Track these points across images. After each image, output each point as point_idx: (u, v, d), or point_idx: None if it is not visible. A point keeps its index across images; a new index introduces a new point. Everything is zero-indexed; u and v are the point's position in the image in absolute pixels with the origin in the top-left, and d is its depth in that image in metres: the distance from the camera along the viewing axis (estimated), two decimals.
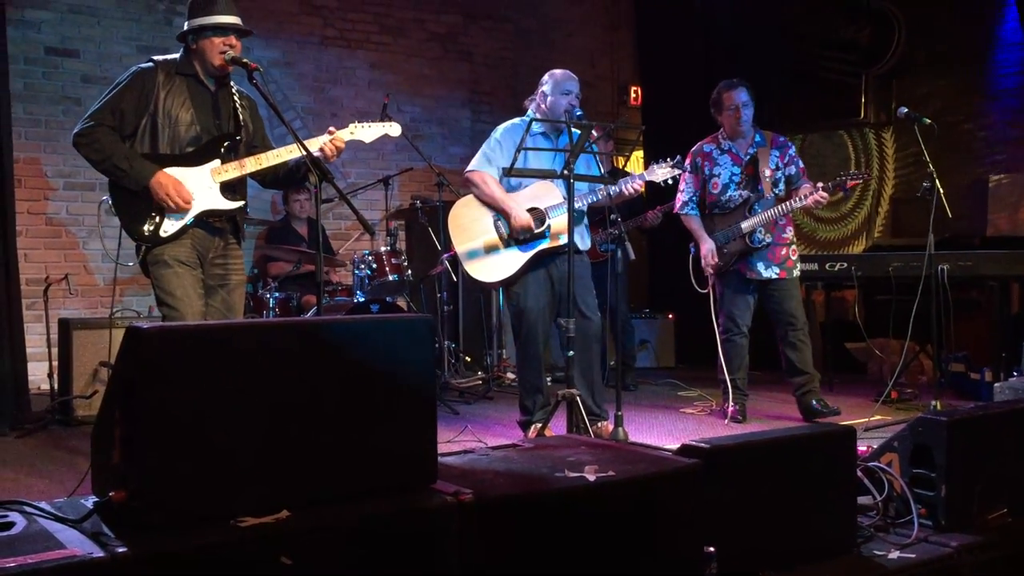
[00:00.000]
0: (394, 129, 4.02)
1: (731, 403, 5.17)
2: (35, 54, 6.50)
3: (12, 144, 5.28)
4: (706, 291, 5.26)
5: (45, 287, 5.78)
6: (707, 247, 5.13)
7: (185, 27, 3.70)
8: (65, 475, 4.01)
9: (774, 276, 5.07)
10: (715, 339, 8.05)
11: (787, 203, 5.00)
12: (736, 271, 5.14)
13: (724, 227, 5.11)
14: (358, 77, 7.81)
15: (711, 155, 5.20)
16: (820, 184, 4.98)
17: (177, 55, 3.76)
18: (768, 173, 5.05)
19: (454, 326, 7.25)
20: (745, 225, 5.03)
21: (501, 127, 4.71)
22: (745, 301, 5.17)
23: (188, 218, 3.63)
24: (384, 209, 7.03)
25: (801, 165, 5.21)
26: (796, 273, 5.16)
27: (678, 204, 5.29)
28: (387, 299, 6.07)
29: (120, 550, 1.74)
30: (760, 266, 5.08)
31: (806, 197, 4.93)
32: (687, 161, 5.20)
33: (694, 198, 5.25)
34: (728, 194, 5.13)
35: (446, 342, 6.79)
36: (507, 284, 4.60)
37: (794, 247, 5.18)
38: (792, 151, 5.22)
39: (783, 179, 5.14)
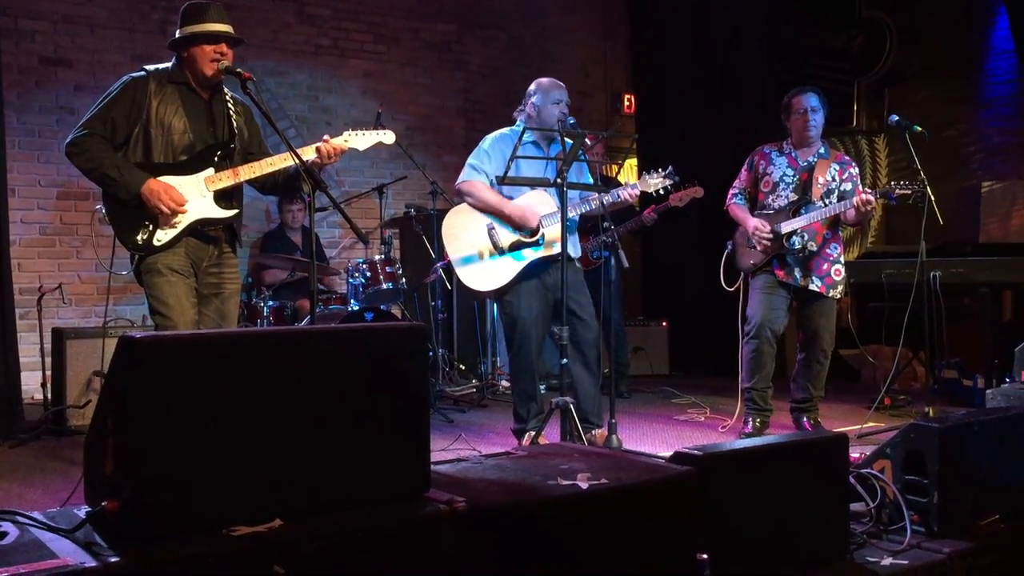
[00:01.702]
0: (388, 137, 4.02)
1: (748, 422, 4.99)
2: (29, 63, 6.50)
3: (6, 153, 5.28)
4: (733, 289, 5.13)
5: (38, 296, 5.77)
6: (754, 222, 4.94)
7: (176, 35, 3.71)
8: (58, 485, 4.00)
9: (815, 288, 4.88)
10: (710, 346, 8.14)
11: (832, 206, 4.83)
12: (770, 272, 4.96)
13: None
14: (352, 86, 7.82)
15: (769, 156, 5.08)
16: (868, 189, 4.82)
17: (169, 64, 3.76)
18: (822, 181, 4.90)
19: (448, 334, 7.25)
20: (785, 225, 4.88)
21: (489, 137, 4.72)
22: (777, 304, 4.95)
23: (181, 227, 3.63)
24: (378, 217, 7.03)
25: (859, 186, 5.00)
26: (834, 293, 4.93)
27: (728, 197, 5.19)
28: (381, 307, 6.08)
29: (112, 560, 1.74)
30: (797, 272, 4.90)
31: (850, 200, 4.74)
32: (746, 159, 5.16)
33: (743, 192, 5.14)
34: (777, 192, 4.98)
35: (440, 350, 6.79)
36: (501, 293, 4.61)
37: (838, 267, 4.94)
38: (854, 171, 5.03)
39: (836, 192, 4.94)
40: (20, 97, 6.43)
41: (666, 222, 6.44)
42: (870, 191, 4.78)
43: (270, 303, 5.98)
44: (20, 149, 6.41)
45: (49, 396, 5.42)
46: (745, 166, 5.17)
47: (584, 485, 2.29)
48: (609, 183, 5.37)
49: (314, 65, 7.64)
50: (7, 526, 1.95)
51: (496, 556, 2.13)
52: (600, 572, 2.26)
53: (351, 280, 6.05)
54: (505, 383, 6.77)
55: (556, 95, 4.60)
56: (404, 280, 6.13)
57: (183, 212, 3.61)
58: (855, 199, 4.73)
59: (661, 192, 4.76)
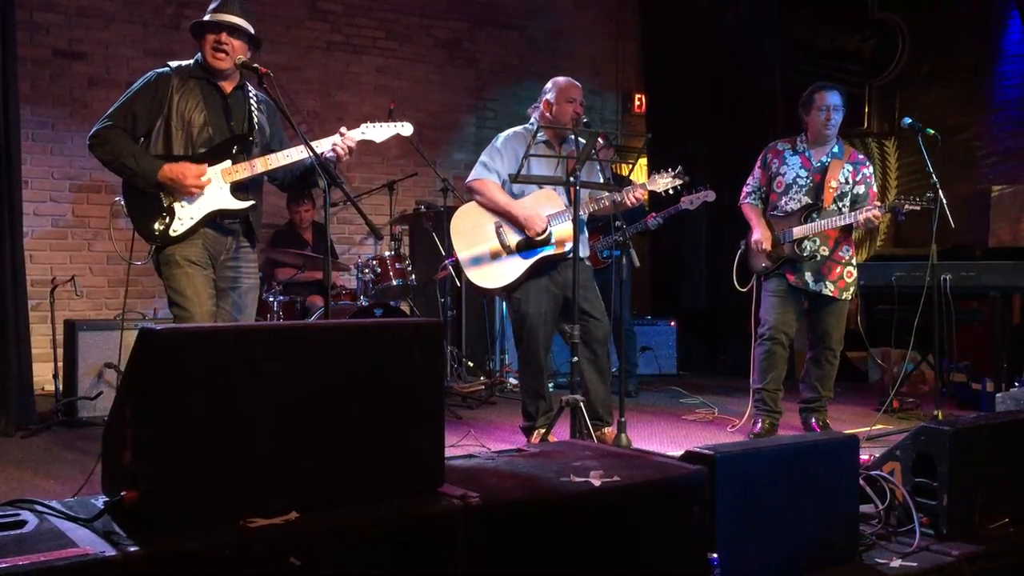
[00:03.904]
0: (406, 129, 4.03)
1: (758, 422, 4.98)
2: (43, 56, 6.53)
3: (20, 146, 5.30)
4: (746, 290, 5.13)
5: (51, 288, 5.80)
6: (759, 234, 4.95)
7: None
8: (71, 475, 4.03)
9: (826, 292, 4.88)
10: (719, 346, 8.14)
11: (841, 216, 4.82)
12: (782, 275, 4.95)
13: (777, 231, 4.96)
14: (364, 82, 7.84)
15: (782, 154, 5.05)
16: (877, 203, 4.81)
17: (192, 60, 3.79)
18: (834, 185, 4.88)
19: (457, 331, 7.26)
20: (797, 231, 4.86)
21: (502, 135, 4.73)
22: (789, 308, 4.95)
23: (198, 218, 3.65)
24: (388, 214, 7.05)
25: (873, 188, 4.99)
26: (846, 296, 4.92)
27: (742, 195, 5.18)
28: (390, 303, 6.08)
29: (132, 549, 1.75)
30: (808, 276, 4.88)
31: (860, 213, 4.75)
32: (759, 156, 5.15)
33: (758, 191, 5.12)
34: (790, 195, 4.96)
35: (449, 347, 6.80)
36: (509, 291, 4.62)
37: (851, 268, 4.94)
38: (867, 171, 5.00)
39: (849, 196, 4.93)
40: (34, 90, 6.46)
41: (676, 222, 6.45)
42: (879, 206, 4.78)
43: (280, 298, 6.00)
44: (34, 141, 6.44)
45: (60, 387, 5.46)
46: (759, 163, 5.16)
47: (597, 482, 2.29)
48: (620, 182, 5.37)
49: (327, 61, 7.66)
50: (26, 515, 1.97)
51: (509, 551, 2.14)
52: (610, 569, 2.27)
53: (360, 276, 6.06)
54: (513, 380, 6.77)
55: (571, 94, 4.60)
56: (413, 277, 6.15)
57: (206, 183, 3.63)
58: (861, 216, 4.74)
59: (670, 192, 4.77)
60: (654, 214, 6.32)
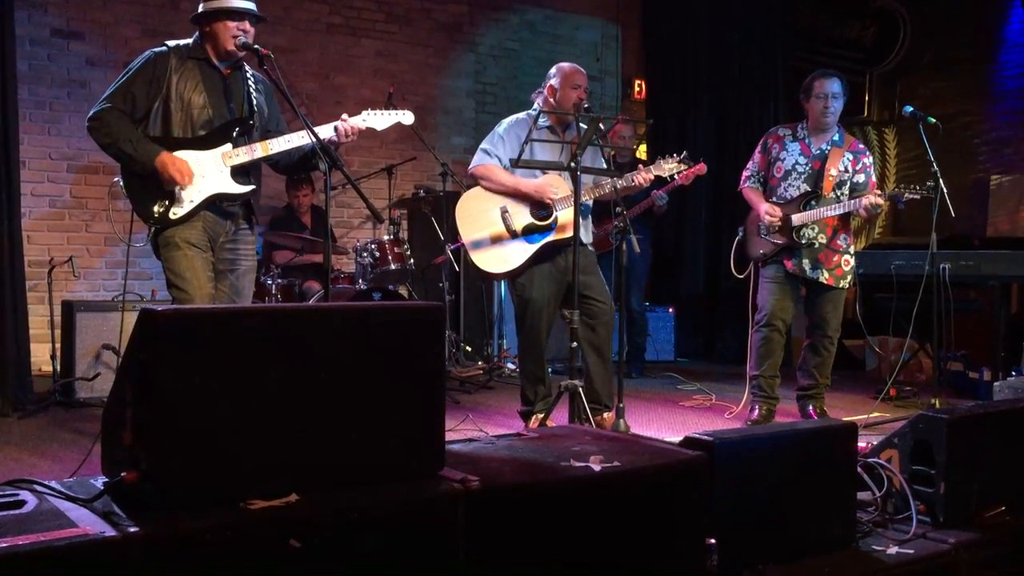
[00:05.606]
0: (407, 118, 4.03)
1: (755, 409, 4.98)
2: (41, 36, 6.49)
3: (18, 126, 5.28)
4: (743, 276, 5.13)
5: (49, 269, 5.78)
6: (765, 206, 4.93)
7: (200, 9, 3.72)
8: (68, 455, 4.04)
9: (822, 280, 4.88)
10: (716, 333, 8.15)
11: (841, 204, 4.82)
12: (779, 262, 4.95)
13: None
14: (363, 65, 7.80)
15: (783, 139, 5.04)
16: (878, 191, 4.80)
17: (190, 40, 3.77)
18: (834, 173, 4.87)
19: (455, 316, 7.26)
20: (796, 218, 4.86)
21: (505, 121, 4.71)
22: (786, 295, 4.95)
23: (197, 201, 3.64)
24: (387, 198, 7.03)
25: (872, 178, 4.99)
26: (844, 284, 4.92)
27: (741, 180, 5.18)
28: (389, 287, 6.08)
29: (132, 530, 1.75)
30: (806, 263, 4.88)
31: (860, 200, 4.75)
32: (760, 141, 5.15)
33: (757, 175, 5.10)
34: (789, 181, 4.95)
35: (447, 331, 6.81)
36: (513, 276, 4.61)
37: (848, 257, 4.94)
38: (867, 161, 5.00)
39: (848, 184, 4.92)
40: (32, 69, 6.42)
41: (675, 210, 6.43)
42: (879, 194, 4.78)
43: (279, 281, 6.00)
44: (31, 122, 6.40)
45: (58, 368, 5.45)
46: (759, 148, 5.15)
47: (597, 467, 2.30)
48: (635, 166, 5.33)
49: (326, 43, 7.63)
50: (25, 495, 1.97)
51: (509, 535, 2.14)
52: (610, 553, 2.28)
53: (359, 260, 6.06)
54: (511, 365, 6.78)
55: (575, 80, 4.58)
56: (412, 261, 6.14)
57: (189, 184, 3.62)
58: (863, 202, 4.74)
59: (676, 177, 4.76)
60: (660, 190, 6.29)
